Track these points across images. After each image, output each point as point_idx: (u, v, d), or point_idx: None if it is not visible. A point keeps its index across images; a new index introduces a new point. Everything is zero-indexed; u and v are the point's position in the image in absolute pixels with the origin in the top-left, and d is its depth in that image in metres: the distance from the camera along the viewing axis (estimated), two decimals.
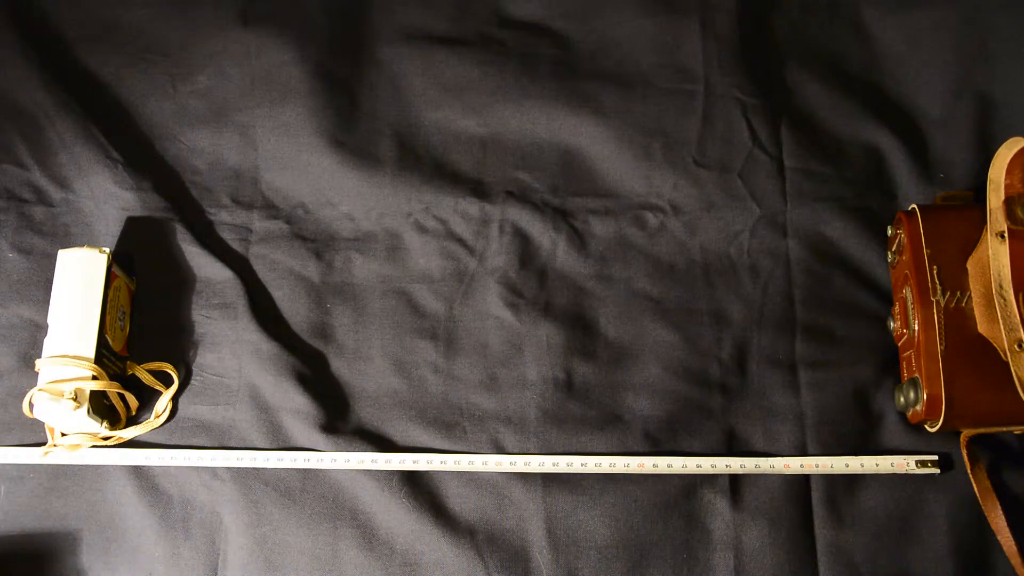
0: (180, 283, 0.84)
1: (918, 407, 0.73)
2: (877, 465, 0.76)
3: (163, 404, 0.80)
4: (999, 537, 0.73)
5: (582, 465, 0.77)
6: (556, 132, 0.88)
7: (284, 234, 0.86)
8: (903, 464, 0.76)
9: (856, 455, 0.77)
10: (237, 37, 0.92)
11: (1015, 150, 0.74)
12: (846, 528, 0.75)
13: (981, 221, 0.75)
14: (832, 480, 0.76)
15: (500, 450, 0.78)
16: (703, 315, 0.82)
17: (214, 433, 0.79)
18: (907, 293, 0.76)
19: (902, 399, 0.76)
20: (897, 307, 0.78)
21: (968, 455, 0.74)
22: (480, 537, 0.75)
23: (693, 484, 0.76)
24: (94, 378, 0.74)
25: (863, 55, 0.91)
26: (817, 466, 0.76)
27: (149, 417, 0.80)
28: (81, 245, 0.81)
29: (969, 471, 0.74)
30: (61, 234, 0.85)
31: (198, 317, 0.83)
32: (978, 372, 0.72)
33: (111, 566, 0.76)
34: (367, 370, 0.81)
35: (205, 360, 0.81)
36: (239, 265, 0.84)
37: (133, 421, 0.80)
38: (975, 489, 0.74)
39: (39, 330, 0.81)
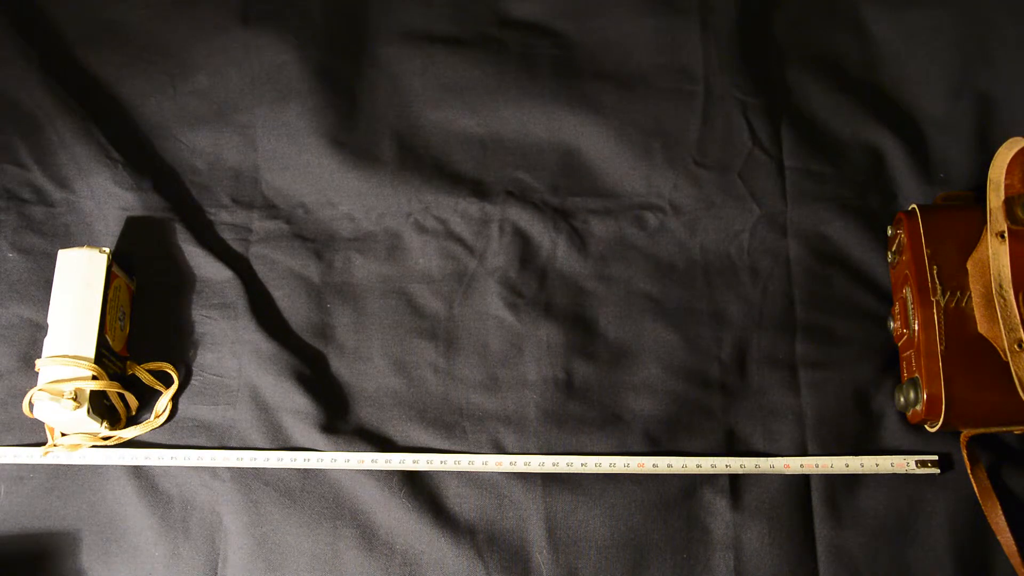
0: (180, 283, 0.84)
1: (918, 407, 0.73)
2: (877, 465, 0.76)
3: (163, 404, 0.80)
4: (999, 537, 0.73)
5: (582, 465, 0.77)
6: (556, 132, 0.88)
7: (284, 234, 0.86)
8: (903, 464, 0.76)
9: (856, 455, 0.77)
10: (237, 37, 0.92)
11: (1015, 150, 0.74)
12: (846, 528, 0.75)
13: (981, 221, 0.75)
14: (832, 480, 0.76)
15: (500, 450, 0.78)
16: (703, 315, 0.82)
17: (214, 433, 0.79)
18: (907, 293, 0.76)
19: (902, 399, 0.76)
20: (897, 307, 0.78)
21: (968, 455, 0.74)
22: (480, 537, 0.75)
23: (693, 484, 0.76)
24: (94, 378, 0.74)
25: (863, 55, 0.91)
26: (817, 466, 0.76)
27: (149, 417, 0.80)
28: (81, 245, 0.81)
29: (969, 471, 0.74)
30: (61, 234, 0.85)
31: (198, 317, 0.83)
32: (978, 372, 0.72)
33: (111, 566, 0.76)
34: (367, 370, 0.81)
35: (205, 360, 0.81)
36: (239, 265, 0.84)
37: (133, 421, 0.80)
38: (975, 489, 0.74)
39: (39, 330, 0.81)
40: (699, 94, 0.89)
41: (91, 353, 0.75)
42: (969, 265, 0.74)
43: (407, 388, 0.80)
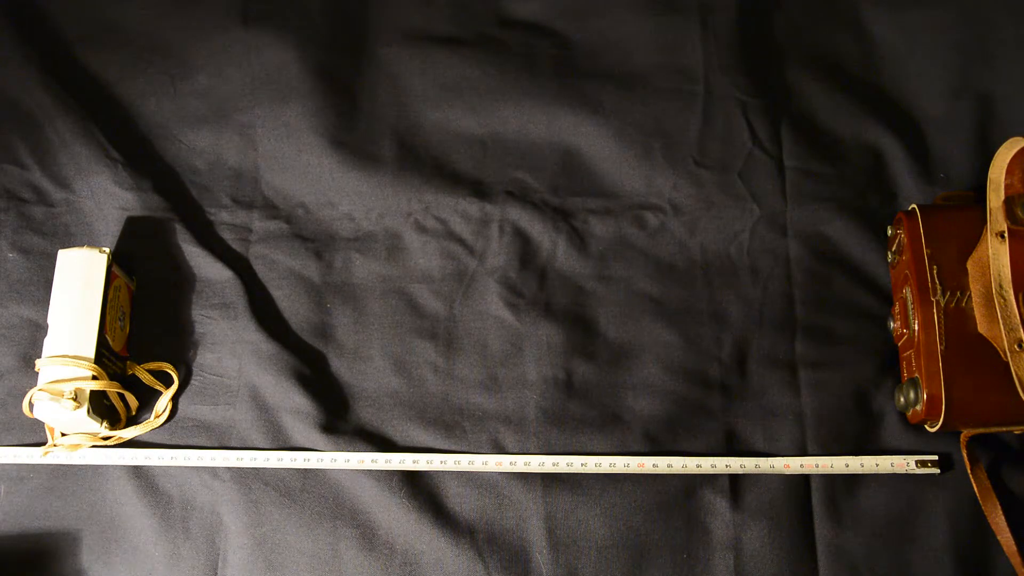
0: (180, 283, 0.84)
1: (918, 407, 0.73)
2: (877, 465, 0.76)
3: (163, 404, 0.80)
4: (999, 537, 0.73)
5: (582, 465, 0.77)
6: (556, 132, 0.88)
7: (284, 234, 0.86)
8: (903, 464, 0.76)
9: (856, 455, 0.77)
10: (237, 37, 0.92)
11: (1015, 150, 0.74)
12: (846, 528, 0.75)
13: (981, 221, 0.75)
14: (832, 480, 0.76)
15: (500, 450, 0.78)
16: (703, 315, 0.82)
17: (214, 433, 0.79)
18: (907, 293, 0.76)
19: (902, 399, 0.76)
20: (897, 307, 0.78)
21: (968, 455, 0.74)
22: (480, 537, 0.75)
23: (693, 484, 0.76)
24: (94, 378, 0.74)
25: (863, 55, 0.91)
26: (817, 466, 0.76)
27: (149, 417, 0.80)
28: (81, 245, 0.81)
29: (969, 471, 0.74)
30: (61, 234, 0.85)
31: (198, 317, 0.83)
32: (978, 372, 0.72)
33: (111, 566, 0.76)
34: (367, 370, 0.81)
35: (205, 360, 0.81)
36: (239, 265, 0.84)
37: (133, 421, 0.80)
38: (975, 489, 0.74)
39: (39, 330, 0.81)
40: (699, 94, 0.89)
41: (91, 353, 0.75)
42: (969, 265, 0.74)
43: (407, 388, 0.80)
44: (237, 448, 0.78)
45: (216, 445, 0.79)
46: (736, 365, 0.80)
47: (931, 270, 0.74)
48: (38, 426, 0.79)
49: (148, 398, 0.80)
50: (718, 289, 0.83)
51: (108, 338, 0.77)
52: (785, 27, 0.92)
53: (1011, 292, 0.72)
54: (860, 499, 0.76)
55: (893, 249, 0.80)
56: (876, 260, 0.83)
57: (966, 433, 0.74)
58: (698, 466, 0.76)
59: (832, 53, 0.91)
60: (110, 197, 0.86)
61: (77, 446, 0.78)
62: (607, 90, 0.89)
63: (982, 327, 0.73)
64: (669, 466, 0.76)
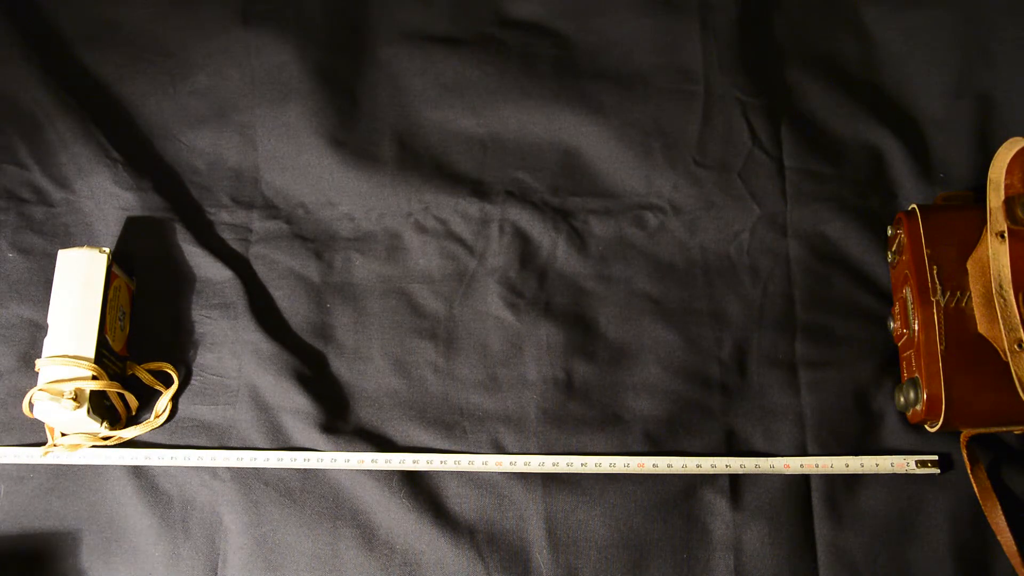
0: (180, 283, 0.84)
1: (918, 407, 0.74)
2: (877, 465, 0.76)
3: (163, 404, 0.80)
4: (999, 537, 0.73)
5: (582, 465, 0.77)
6: (556, 132, 0.88)
7: (284, 234, 0.86)
8: (903, 464, 0.76)
9: (856, 455, 0.77)
10: (237, 37, 0.92)
11: (1015, 150, 0.74)
12: (846, 528, 0.75)
13: (981, 221, 0.75)
14: (832, 480, 0.76)
15: (500, 450, 0.78)
16: (703, 315, 0.82)
17: (214, 433, 0.79)
18: (907, 293, 0.76)
19: (902, 399, 0.76)
20: (897, 307, 0.78)
21: (968, 455, 0.74)
22: (480, 537, 0.75)
23: (693, 484, 0.76)
24: (94, 378, 0.74)
25: (863, 55, 0.91)
26: (817, 466, 0.76)
27: (149, 417, 0.80)
28: (81, 245, 0.81)
29: (969, 471, 0.74)
30: (61, 234, 0.85)
31: (198, 317, 0.83)
32: (978, 372, 0.72)
33: (111, 566, 0.76)
34: (367, 370, 0.81)
35: (205, 360, 0.81)
36: (239, 265, 0.84)
37: (133, 421, 0.80)
38: (975, 489, 0.74)
39: (39, 330, 0.81)
40: (699, 94, 0.89)
41: (91, 353, 0.75)
42: (969, 265, 0.74)
43: (407, 388, 0.80)
44: (237, 448, 0.78)
45: (216, 445, 0.79)
46: (736, 365, 0.80)
47: (931, 270, 0.74)
48: (38, 426, 0.79)
49: (148, 398, 0.80)
50: (718, 289, 0.83)
51: (108, 338, 0.77)
52: (785, 27, 0.92)
53: (1011, 292, 0.72)
54: (860, 499, 0.76)
55: (893, 249, 0.80)
56: (876, 260, 0.83)
57: (966, 433, 0.74)
58: (698, 466, 0.76)
59: (832, 53, 0.91)
60: (110, 197, 0.86)
61: (77, 446, 0.78)
62: (607, 90, 0.89)
63: (982, 327, 0.73)
64: (669, 466, 0.76)
